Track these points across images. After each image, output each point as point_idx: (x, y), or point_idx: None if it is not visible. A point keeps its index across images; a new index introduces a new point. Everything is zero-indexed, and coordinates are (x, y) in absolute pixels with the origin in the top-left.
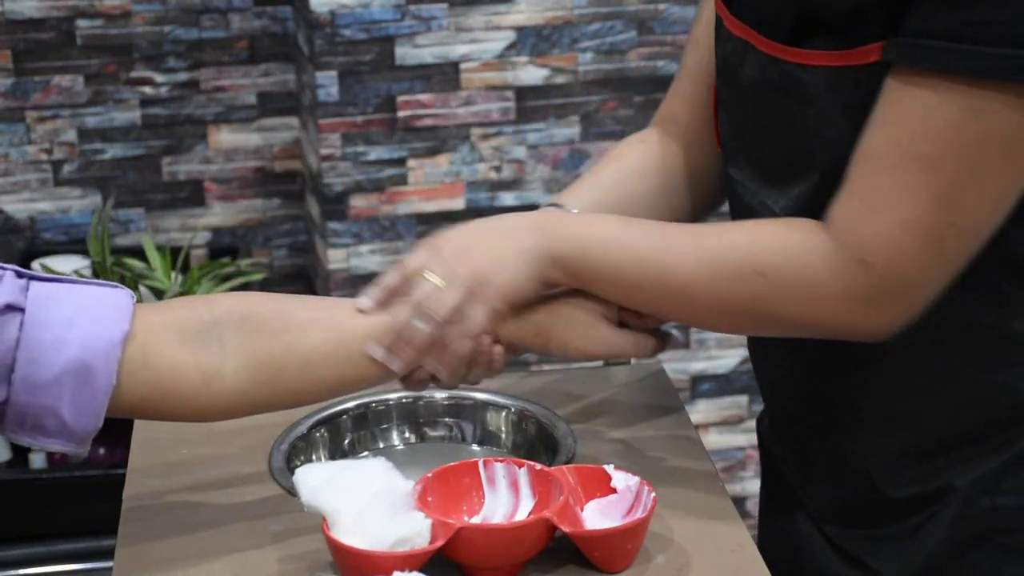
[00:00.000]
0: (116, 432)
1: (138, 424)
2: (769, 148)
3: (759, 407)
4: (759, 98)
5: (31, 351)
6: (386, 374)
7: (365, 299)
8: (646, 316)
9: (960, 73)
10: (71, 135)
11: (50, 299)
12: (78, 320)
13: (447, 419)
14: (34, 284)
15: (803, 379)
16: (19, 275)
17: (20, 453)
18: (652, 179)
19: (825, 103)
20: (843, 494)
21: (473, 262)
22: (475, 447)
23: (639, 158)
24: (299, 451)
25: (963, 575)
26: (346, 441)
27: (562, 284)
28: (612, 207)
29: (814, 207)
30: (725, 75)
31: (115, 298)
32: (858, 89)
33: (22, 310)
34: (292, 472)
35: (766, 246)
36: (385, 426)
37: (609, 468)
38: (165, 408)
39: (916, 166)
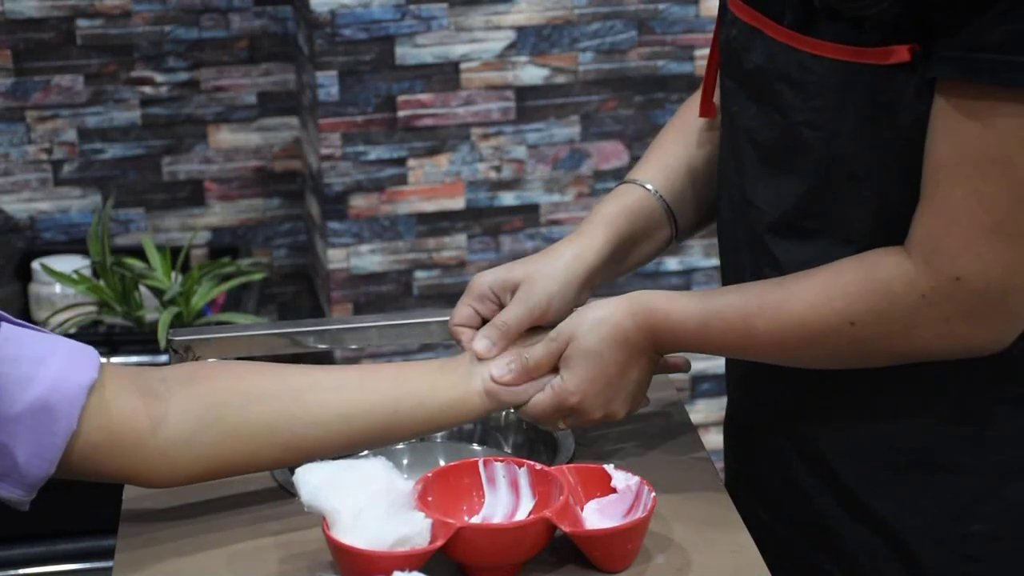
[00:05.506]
0: None
1: None
2: (761, 139)
3: None
4: (762, 86)
5: None
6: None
7: (486, 343)
8: None
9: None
10: (71, 135)
11: (22, 338)
12: (49, 360)
13: None
14: (5, 324)
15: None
16: None
17: None
18: (713, 147)
19: (833, 97)
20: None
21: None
22: (475, 446)
23: (702, 129)
24: None
25: None
26: None
27: None
28: (680, 180)
29: (800, 204)
30: (727, 60)
31: (86, 349)
32: (872, 87)
33: None
34: (292, 471)
35: (849, 295)
36: None
37: (609, 468)
38: (115, 456)
39: (991, 170)
